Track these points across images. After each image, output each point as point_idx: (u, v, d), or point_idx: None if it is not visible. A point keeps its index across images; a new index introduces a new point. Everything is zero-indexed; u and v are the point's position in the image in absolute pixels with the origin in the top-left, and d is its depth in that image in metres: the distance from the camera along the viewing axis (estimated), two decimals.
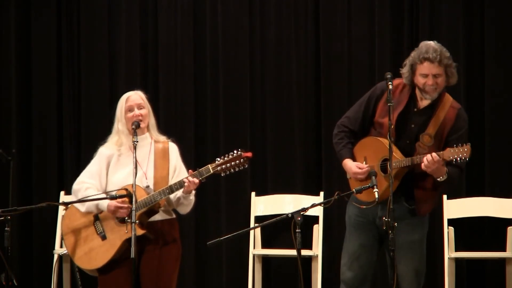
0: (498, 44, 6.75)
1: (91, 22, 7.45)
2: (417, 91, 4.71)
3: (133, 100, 4.92)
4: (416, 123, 4.70)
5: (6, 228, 4.89)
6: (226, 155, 4.74)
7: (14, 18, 7.45)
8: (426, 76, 4.64)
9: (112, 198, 4.73)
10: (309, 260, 6.70)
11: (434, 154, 4.50)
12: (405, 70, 4.74)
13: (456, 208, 6.59)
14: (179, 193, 4.78)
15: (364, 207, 4.68)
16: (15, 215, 5.43)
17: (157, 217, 4.83)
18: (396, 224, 4.45)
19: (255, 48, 7.20)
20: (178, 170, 4.91)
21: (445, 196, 6.55)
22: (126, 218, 4.72)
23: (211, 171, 4.74)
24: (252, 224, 6.85)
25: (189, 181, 4.69)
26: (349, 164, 4.79)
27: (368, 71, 6.97)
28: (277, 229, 6.96)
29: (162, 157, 4.91)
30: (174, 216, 4.94)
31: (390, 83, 4.59)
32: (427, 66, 4.63)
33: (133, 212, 4.60)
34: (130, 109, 4.90)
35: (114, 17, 7.42)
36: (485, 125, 6.76)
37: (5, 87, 7.45)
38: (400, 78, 4.78)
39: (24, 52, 7.49)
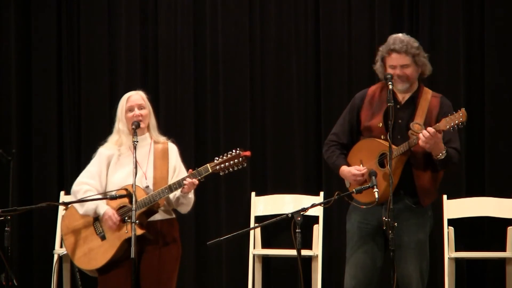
0: (498, 43, 6.74)
1: (91, 22, 7.45)
2: (395, 88, 4.74)
3: (134, 100, 4.92)
4: (403, 118, 4.72)
5: (6, 228, 4.89)
6: (225, 154, 4.76)
7: (14, 18, 7.45)
8: (394, 67, 4.72)
9: (112, 198, 4.73)
10: (309, 260, 6.70)
11: (429, 128, 4.52)
12: (377, 66, 4.83)
13: (456, 208, 6.59)
14: (178, 193, 4.79)
15: (364, 207, 4.67)
16: (15, 215, 5.44)
17: (157, 217, 4.83)
18: (396, 224, 4.45)
19: (255, 48, 7.20)
20: (178, 170, 4.92)
21: (445, 196, 6.56)
22: (126, 218, 4.72)
23: (210, 170, 4.75)
24: (252, 224, 6.85)
25: (188, 181, 4.70)
26: (347, 169, 4.78)
27: (368, 70, 6.93)
28: (277, 229, 6.96)
29: (161, 157, 4.91)
30: (174, 216, 4.94)
31: (390, 83, 4.61)
32: (394, 58, 4.71)
33: (133, 212, 4.61)
34: (130, 109, 4.90)
35: (114, 17, 7.42)
36: (485, 125, 6.75)
37: (5, 87, 7.44)
38: (377, 83, 4.86)
39: (24, 52, 7.49)
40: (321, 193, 6.82)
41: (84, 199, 4.79)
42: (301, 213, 4.29)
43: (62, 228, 4.95)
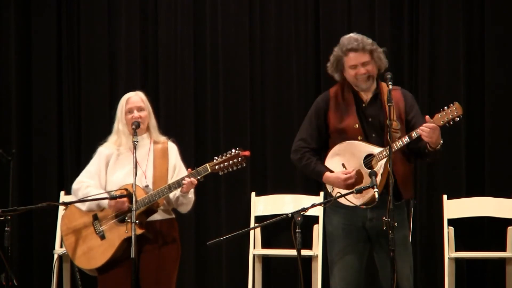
0: (498, 43, 6.74)
1: (91, 22, 7.45)
2: (358, 88, 4.71)
3: (133, 102, 4.93)
4: (372, 116, 4.69)
5: (6, 228, 4.90)
6: (224, 154, 4.77)
7: (14, 18, 7.45)
8: (355, 67, 4.66)
9: (112, 198, 4.73)
10: (309, 260, 6.70)
11: (428, 124, 4.48)
12: (332, 69, 4.75)
13: (456, 208, 6.59)
14: (178, 192, 4.79)
15: (364, 207, 4.65)
16: (15, 215, 5.44)
17: (157, 216, 4.84)
18: (396, 224, 4.44)
19: (255, 48, 7.20)
20: (177, 170, 4.92)
21: (445, 196, 6.56)
22: (126, 218, 4.72)
23: (209, 170, 4.76)
24: (252, 224, 6.85)
25: (187, 180, 4.70)
26: (333, 176, 4.66)
27: None
28: (277, 229, 6.96)
29: (161, 156, 4.92)
30: (173, 216, 4.94)
31: (390, 83, 4.58)
32: (353, 57, 4.66)
33: (133, 212, 4.61)
34: (129, 111, 4.91)
35: (114, 17, 7.42)
36: (485, 125, 6.75)
37: (5, 87, 7.45)
38: (336, 85, 4.80)
39: (24, 52, 7.50)
40: (321, 193, 6.80)
41: (84, 199, 4.80)
42: (301, 213, 4.28)
43: (62, 228, 4.95)
